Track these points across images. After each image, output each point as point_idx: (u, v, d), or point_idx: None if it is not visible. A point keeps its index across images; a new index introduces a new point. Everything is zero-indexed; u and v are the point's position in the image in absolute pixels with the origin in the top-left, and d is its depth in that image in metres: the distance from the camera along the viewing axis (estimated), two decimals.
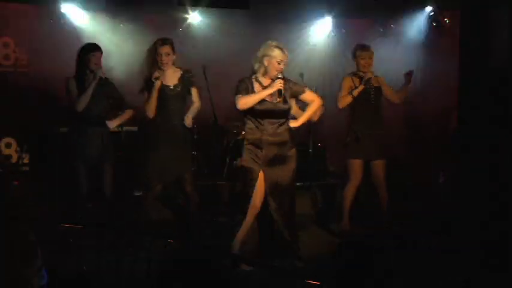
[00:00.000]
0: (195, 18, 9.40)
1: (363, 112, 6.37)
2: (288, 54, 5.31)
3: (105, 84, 6.00)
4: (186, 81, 5.93)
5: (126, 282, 4.19)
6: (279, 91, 5.21)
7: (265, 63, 5.27)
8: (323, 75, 9.30)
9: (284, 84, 5.23)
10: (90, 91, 5.83)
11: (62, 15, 8.75)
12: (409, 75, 6.53)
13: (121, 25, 9.17)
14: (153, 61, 5.82)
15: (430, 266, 5.33)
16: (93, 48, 5.92)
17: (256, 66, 5.34)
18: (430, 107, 8.93)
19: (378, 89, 6.43)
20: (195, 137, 9.08)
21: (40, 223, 4.48)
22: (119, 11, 8.99)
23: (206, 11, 9.24)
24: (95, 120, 5.94)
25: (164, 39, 5.94)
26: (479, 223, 5.48)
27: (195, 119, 6.00)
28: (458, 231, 6.03)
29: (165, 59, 5.81)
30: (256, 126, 5.32)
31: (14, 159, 8.45)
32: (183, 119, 5.86)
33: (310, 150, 7.77)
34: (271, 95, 5.26)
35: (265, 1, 8.70)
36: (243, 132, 5.49)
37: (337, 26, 9.87)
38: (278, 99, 5.27)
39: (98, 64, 5.89)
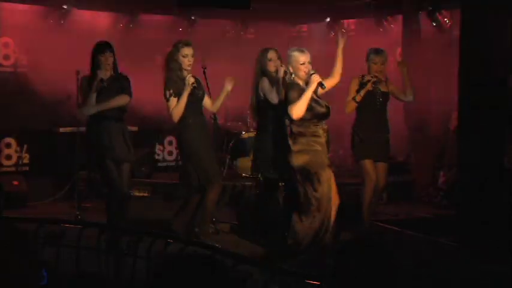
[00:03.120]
0: (195, 17, 9.41)
1: (367, 116, 6.28)
2: (309, 54, 5.31)
3: (120, 78, 5.90)
4: (200, 83, 5.96)
5: (126, 283, 4.19)
6: (320, 84, 5.20)
7: (291, 69, 5.33)
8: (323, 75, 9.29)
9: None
10: (92, 97, 5.72)
11: (63, 16, 8.76)
12: (401, 62, 6.51)
13: (120, 25, 9.18)
14: (176, 63, 5.77)
15: (430, 265, 5.33)
16: (102, 49, 5.83)
17: (288, 77, 5.41)
18: (430, 107, 8.93)
19: (385, 95, 6.34)
20: None
21: (40, 223, 4.47)
22: (119, 10, 9.00)
23: (206, 11, 9.24)
24: (114, 117, 5.84)
25: (187, 40, 5.91)
26: (479, 222, 5.48)
27: None
28: (458, 231, 6.03)
29: (191, 60, 5.77)
30: (318, 128, 5.30)
31: (14, 159, 8.44)
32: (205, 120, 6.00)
33: None
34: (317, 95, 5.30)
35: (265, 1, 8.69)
36: (298, 134, 5.29)
37: (337, 26, 9.88)
38: (325, 101, 5.33)
39: (108, 64, 5.76)
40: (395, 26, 9.62)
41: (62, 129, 8.21)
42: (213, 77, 6.48)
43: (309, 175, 5.23)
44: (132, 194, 7.47)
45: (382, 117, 6.37)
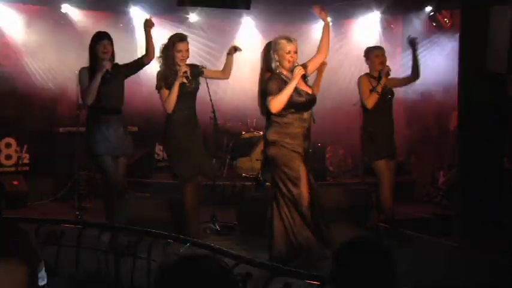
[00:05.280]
0: (195, 18, 9.40)
1: (378, 113, 6.22)
2: (296, 43, 5.19)
3: (117, 69, 5.90)
4: (196, 75, 5.95)
5: (126, 283, 4.19)
6: (304, 77, 5.15)
7: (277, 57, 5.17)
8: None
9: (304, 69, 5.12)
10: (95, 83, 5.69)
11: (63, 15, 8.75)
12: (413, 40, 6.42)
13: (121, 25, 9.17)
14: (170, 57, 5.78)
15: (430, 265, 5.33)
16: (100, 37, 5.84)
17: (273, 65, 5.21)
18: (430, 107, 8.93)
19: (392, 92, 6.33)
20: None
21: (40, 223, 4.47)
22: (119, 10, 8.99)
23: (206, 11, 9.23)
24: (111, 109, 5.85)
25: (182, 34, 5.94)
26: (479, 223, 5.48)
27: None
28: (458, 231, 6.03)
29: (185, 54, 5.80)
30: (297, 120, 5.16)
31: (14, 159, 8.44)
32: (196, 115, 5.95)
33: (310, 150, 7.76)
34: (304, 85, 5.20)
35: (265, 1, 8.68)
36: (273, 127, 5.18)
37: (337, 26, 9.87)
38: (309, 90, 5.21)
39: (107, 53, 5.77)
40: (395, 26, 9.61)
41: (62, 129, 8.20)
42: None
43: (277, 167, 5.15)
44: (132, 193, 7.49)
45: (391, 115, 6.33)
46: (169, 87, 5.75)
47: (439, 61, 8.69)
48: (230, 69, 6.17)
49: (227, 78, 6.31)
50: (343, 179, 8.93)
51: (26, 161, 8.45)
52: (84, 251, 4.51)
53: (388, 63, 6.25)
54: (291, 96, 5.06)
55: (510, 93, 5.44)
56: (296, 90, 5.09)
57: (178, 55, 5.78)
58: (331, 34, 5.54)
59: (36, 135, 8.49)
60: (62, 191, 7.96)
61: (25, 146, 8.48)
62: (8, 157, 8.41)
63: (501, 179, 5.45)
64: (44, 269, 3.14)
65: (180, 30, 9.09)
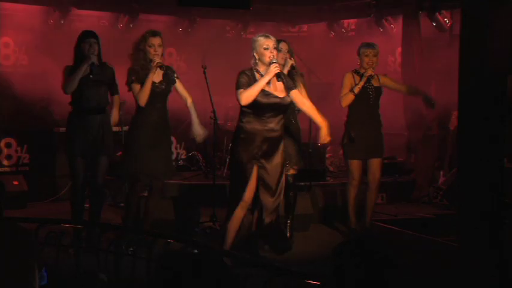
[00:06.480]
0: (195, 17, 9.41)
1: (360, 112, 6.34)
2: (274, 40, 5.20)
3: (104, 69, 5.84)
4: (169, 79, 5.82)
5: (126, 283, 4.19)
6: (277, 75, 5.11)
7: (256, 55, 5.20)
8: (322, 75, 9.30)
9: (280, 67, 5.14)
10: (78, 74, 5.62)
11: (63, 16, 8.76)
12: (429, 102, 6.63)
13: (120, 25, 9.18)
14: (141, 53, 5.68)
15: (431, 265, 5.33)
16: (86, 35, 5.78)
17: (252, 62, 5.26)
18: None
19: (378, 89, 6.38)
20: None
21: (40, 223, 4.47)
22: (119, 10, 8.99)
23: (207, 11, 9.24)
24: (94, 108, 5.79)
25: (154, 30, 5.83)
26: (479, 223, 5.48)
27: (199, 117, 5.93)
28: (458, 231, 6.02)
29: (158, 49, 5.66)
30: (257, 120, 5.20)
31: (14, 159, 8.43)
32: (166, 118, 5.82)
33: (310, 150, 7.77)
34: (274, 88, 5.19)
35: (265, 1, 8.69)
36: (240, 124, 5.27)
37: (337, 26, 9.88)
38: (283, 94, 5.23)
39: (94, 51, 5.69)
40: (395, 26, 9.62)
41: (62, 129, 8.20)
42: (213, 77, 6.49)
43: (237, 165, 5.26)
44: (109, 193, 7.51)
45: (375, 112, 6.43)
46: (141, 82, 5.63)
47: (438, 61, 8.69)
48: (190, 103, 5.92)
49: (188, 104, 5.98)
50: (343, 179, 8.93)
51: (26, 161, 8.45)
52: (84, 251, 4.52)
53: (386, 62, 6.29)
54: (261, 99, 5.11)
55: (510, 93, 5.44)
56: (263, 91, 5.12)
57: (151, 50, 5.66)
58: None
59: (36, 135, 8.49)
60: (62, 191, 7.96)
61: (25, 146, 8.48)
62: (8, 157, 8.41)
63: (501, 179, 5.44)
64: (44, 269, 3.15)
65: (180, 31, 9.07)
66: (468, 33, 5.66)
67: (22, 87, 8.34)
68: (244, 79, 5.13)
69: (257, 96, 5.10)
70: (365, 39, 7.13)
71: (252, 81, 5.12)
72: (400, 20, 9.28)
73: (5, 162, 8.38)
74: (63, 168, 8.04)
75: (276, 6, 9.74)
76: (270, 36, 5.20)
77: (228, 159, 8.78)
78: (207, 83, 6.12)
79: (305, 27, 11.03)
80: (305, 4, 9.73)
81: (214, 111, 6.51)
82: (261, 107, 5.17)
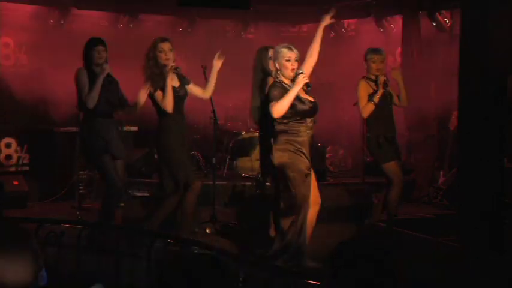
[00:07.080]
0: (195, 17, 9.41)
1: (382, 116, 6.21)
2: (297, 52, 5.23)
3: (112, 80, 5.93)
4: (184, 81, 5.90)
5: (126, 283, 4.19)
6: (307, 84, 5.17)
7: (278, 66, 5.26)
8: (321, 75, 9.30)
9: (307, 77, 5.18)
10: (99, 85, 5.72)
11: (63, 16, 8.76)
12: (395, 69, 6.52)
13: (120, 25, 9.18)
14: (152, 61, 5.72)
15: (430, 265, 5.33)
16: (95, 43, 5.84)
17: (274, 73, 5.36)
18: (430, 107, 8.93)
19: (391, 94, 6.33)
20: (195, 136, 9.13)
21: (40, 223, 4.48)
22: (119, 10, 9.00)
23: (206, 11, 9.24)
24: (106, 113, 5.86)
25: (163, 37, 5.90)
26: (479, 222, 5.48)
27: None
28: (458, 230, 6.03)
29: (169, 54, 5.71)
30: (303, 128, 5.22)
31: (14, 159, 8.44)
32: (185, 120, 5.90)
33: None
34: (304, 93, 5.25)
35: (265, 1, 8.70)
36: (280, 132, 5.25)
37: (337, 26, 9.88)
38: (312, 99, 5.27)
39: (101, 58, 5.77)
40: (395, 26, 9.62)
41: (62, 129, 8.21)
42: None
43: (286, 175, 5.21)
44: (132, 194, 7.49)
45: (393, 117, 6.36)
46: (161, 89, 5.66)
47: (438, 61, 8.69)
48: (212, 88, 6.01)
49: (207, 98, 6.12)
50: (343, 179, 8.94)
51: (26, 161, 8.45)
52: (84, 251, 4.52)
53: (388, 65, 6.27)
54: (294, 105, 5.12)
55: (510, 93, 5.44)
56: (298, 98, 5.15)
57: (162, 55, 5.70)
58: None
59: (36, 135, 8.49)
60: (62, 191, 7.97)
61: (25, 146, 8.48)
62: (8, 157, 8.42)
63: (501, 179, 5.44)
64: (44, 269, 3.14)
65: (180, 31, 9.05)
66: (468, 33, 5.66)
67: (22, 87, 8.34)
68: (277, 92, 5.15)
69: (295, 104, 5.13)
70: (365, 39, 7.14)
71: (284, 92, 5.14)
72: (400, 20, 9.29)
73: (5, 162, 8.39)
74: (63, 168, 8.07)
75: (276, 6, 9.74)
76: (293, 48, 5.24)
77: (228, 160, 8.81)
78: (207, 83, 6.11)
79: (305, 28, 11.01)
80: (305, 4, 9.72)
81: (214, 111, 6.52)
82: (302, 115, 5.22)
